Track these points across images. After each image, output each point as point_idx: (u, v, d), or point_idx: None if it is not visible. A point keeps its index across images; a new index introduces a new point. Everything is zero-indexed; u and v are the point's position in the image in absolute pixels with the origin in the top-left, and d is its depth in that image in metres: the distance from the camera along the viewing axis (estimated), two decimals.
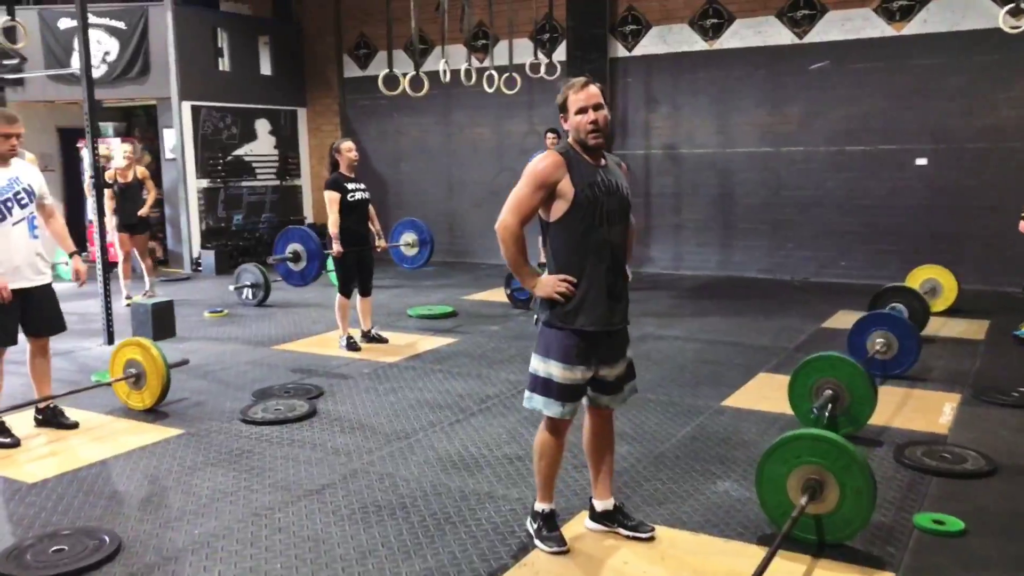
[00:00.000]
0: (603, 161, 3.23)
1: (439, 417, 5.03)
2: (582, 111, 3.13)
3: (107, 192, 8.86)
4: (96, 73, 11.24)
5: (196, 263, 11.70)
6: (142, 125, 12.70)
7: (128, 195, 8.91)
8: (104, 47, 11.28)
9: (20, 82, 11.36)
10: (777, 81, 10.02)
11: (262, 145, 12.70)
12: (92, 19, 11.17)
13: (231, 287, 8.64)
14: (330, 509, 3.75)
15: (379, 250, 7.19)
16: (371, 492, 3.93)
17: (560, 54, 11.22)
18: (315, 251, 7.21)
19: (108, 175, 8.85)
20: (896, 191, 9.54)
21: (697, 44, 10.39)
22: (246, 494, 3.93)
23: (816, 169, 9.94)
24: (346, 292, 6.74)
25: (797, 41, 9.83)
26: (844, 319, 7.59)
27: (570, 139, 3.21)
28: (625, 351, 3.33)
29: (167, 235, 12.13)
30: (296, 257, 7.26)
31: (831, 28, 9.64)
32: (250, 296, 8.70)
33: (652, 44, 10.67)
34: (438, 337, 7.22)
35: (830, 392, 4.53)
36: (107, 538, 3.46)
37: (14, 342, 4.67)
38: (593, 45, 10.91)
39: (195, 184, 11.78)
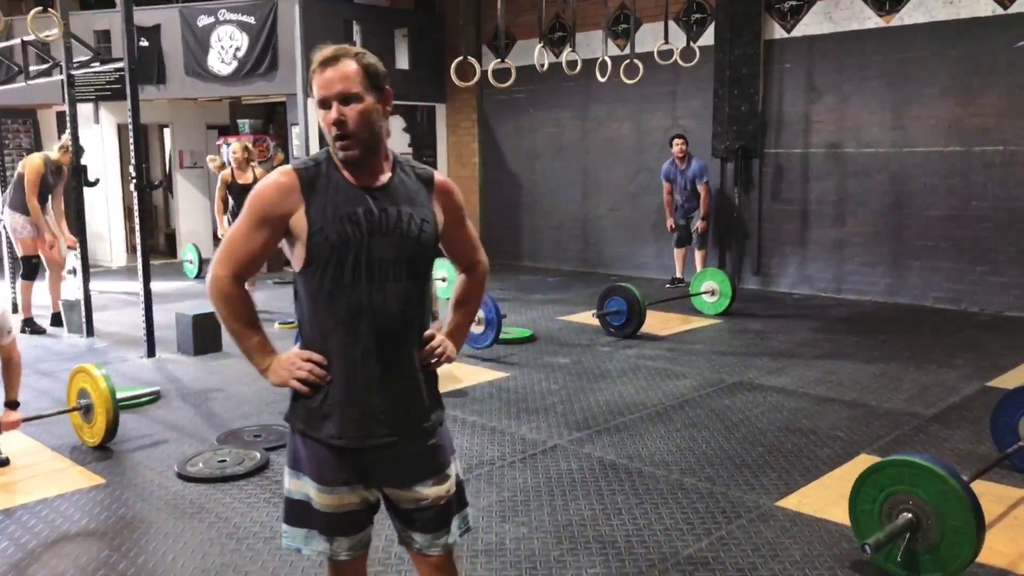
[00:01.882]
0: (382, 179, 2.05)
1: None
2: (323, 104, 1.98)
3: (218, 193, 8.50)
4: (227, 70, 11.20)
5: None
6: (280, 122, 12.54)
7: (245, 197, 8.40)
8: (235, 43, 11.13)
9: (162, 79, 11.50)
10: (971, 63, 7.99)
11: (395, 143, 12.10)
12: (225, 15, 11.11)
13: None
14: None
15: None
16: None
17: (708, 38, 9.72)
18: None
19: (225, 176, 8.43)
20: None
21: (870, 20, 8.54)
22: None
23: (1020, 174, 7.82)
24: None
25: (1000, 11, 7.76)
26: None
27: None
28: (434, 469, 2.14)
29: None
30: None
31: None
32: None
33: (815, 22, 8.93)
34: (493, 369, 6.15)
35: (909, 517, 3.02)
36: None
37: None
38: (745, 25, 9.33)
39: None
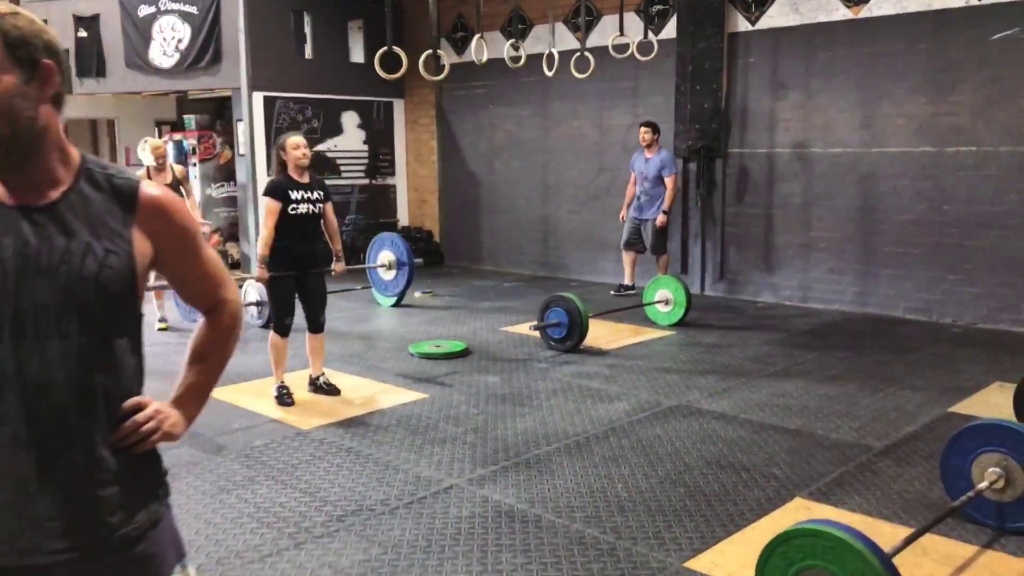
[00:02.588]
0: (52, 195, 1.48)
1: (251, 543, 3.43)
2: None
3: None
4: (168, 63, 10.63)
5: None
6: (228, 118, 11.97)
7: None
8: (178, 34, 10.55)
9: (102, 72, 10.92)
10: (944, 58, 7.47)
11: (349, 140, 11.58)
12: (166, 4, 10.54)
13: None
14: None
15: (336, 273, 5.69)
16: None
17: (670, 30, 9.19)
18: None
19: (139, 176, 7.76)
20: None
21: (838, 12, 8.02)
22: None
23: (995, 177, 7.31)
24: (280, 328, 5.31)
25: (974, 2, 7.25)
26: (993, 399, 5.21)
27: None
28: None
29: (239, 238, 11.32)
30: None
31: None
32: (255, 316, 7.49)
33: (781, 14, 8.40)
34: (410, 389, 5.61)
35: None
36: None
37: None
38: (708, 17, 8.80)
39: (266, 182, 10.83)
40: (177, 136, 11.59)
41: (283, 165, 5.32)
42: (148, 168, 7.58)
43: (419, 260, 7.10)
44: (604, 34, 9.17)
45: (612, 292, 8.99)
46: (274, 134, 10.81)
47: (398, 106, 12.06)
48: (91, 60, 10.91)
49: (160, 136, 11.66)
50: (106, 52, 10.89)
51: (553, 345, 6.66)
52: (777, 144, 8.58)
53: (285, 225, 5.17)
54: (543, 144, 10.61)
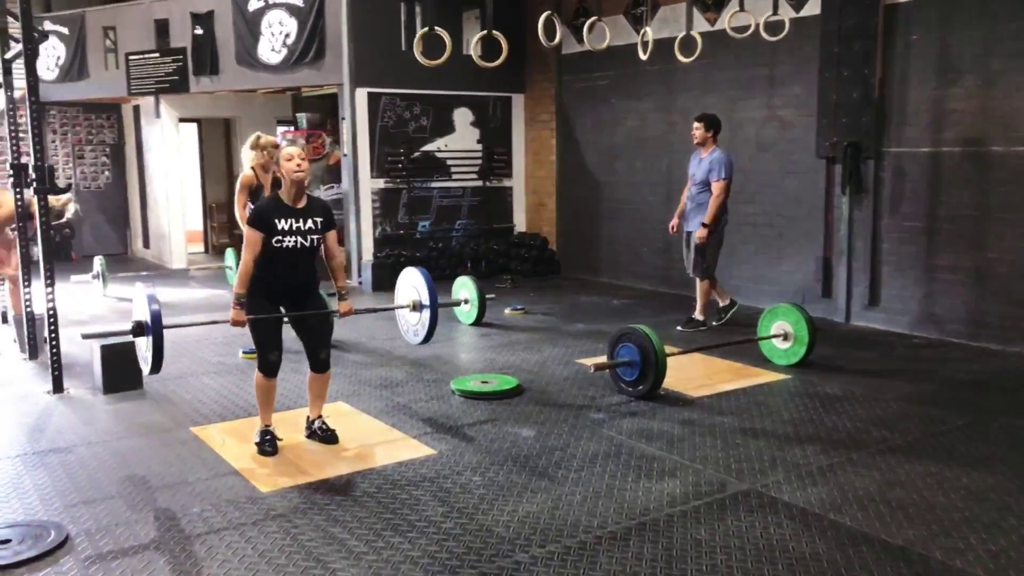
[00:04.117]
0: None
1: None
2: None
3: (238, 200, 7.14)
4: (276, 58, 10.25)
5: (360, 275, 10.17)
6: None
7: None
8: (285, 28, 10.12)
9: (216, 70, 10.68)
10: None
11: (461, 139, 10.74)
12: None
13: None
14: None
15: (341, 316, 4.73)
16: None
17: (814, 6, 7.66)
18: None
19: (247, 179, 7.00)
20: None
21: None
22: None
23: None
24: (265, 367, 4.43)
25: None
26: None
27: None
28: None
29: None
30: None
31: None
32: None
33: None
34: (422, 441, 4.61)
35: None
36: None
37: None
38: None
39: (369, 184, 10.19)
40: (289, 135, 11.21)
41: (276, 183, 4.49)
42: (254, 168, 6.69)
43: (447, 302, 6.17)
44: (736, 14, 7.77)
45: (713, 323, 7.51)
46: (379, 133, 10.18)
47: (517, 102, 11.10)
48: (206, 58, 10.70)
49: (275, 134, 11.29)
50: (219, 49, 10.64)
51: (624, 388, 5.45)
52: (945, 141, 6.87)
53: (268, 256, 4.27)
54: (667, 141, 9.30)
